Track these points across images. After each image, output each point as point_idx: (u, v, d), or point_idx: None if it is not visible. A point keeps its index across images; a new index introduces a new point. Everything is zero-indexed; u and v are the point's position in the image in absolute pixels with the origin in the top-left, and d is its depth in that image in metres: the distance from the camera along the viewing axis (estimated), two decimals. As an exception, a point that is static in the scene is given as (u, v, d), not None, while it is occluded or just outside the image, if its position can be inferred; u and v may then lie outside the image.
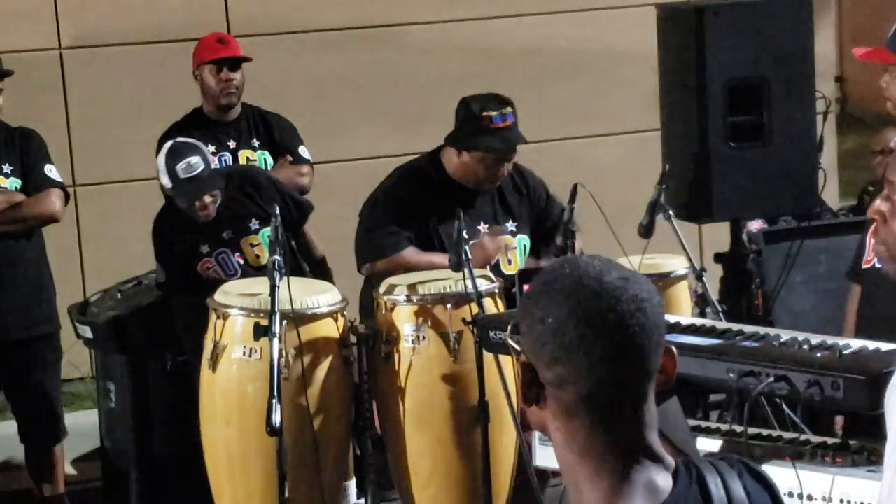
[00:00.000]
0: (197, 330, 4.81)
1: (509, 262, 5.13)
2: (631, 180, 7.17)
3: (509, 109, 4.97)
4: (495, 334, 4.15)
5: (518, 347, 1.80)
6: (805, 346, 3.42)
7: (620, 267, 1.78)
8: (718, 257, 5.66)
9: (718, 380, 3.41)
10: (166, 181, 5.16)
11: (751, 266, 5.53)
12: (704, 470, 1.80)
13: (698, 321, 3.87)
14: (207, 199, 5.16)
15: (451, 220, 4.60)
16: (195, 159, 5.12)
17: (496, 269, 5.04)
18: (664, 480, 1.76)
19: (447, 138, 5.09)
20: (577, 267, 1.76)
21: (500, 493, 4.68)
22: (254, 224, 5.28)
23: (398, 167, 5.24)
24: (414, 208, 4.99)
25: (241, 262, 5.26)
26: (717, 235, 6.52)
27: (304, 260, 5.49)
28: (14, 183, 5.35)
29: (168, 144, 5.23)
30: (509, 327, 1.86)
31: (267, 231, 5.20)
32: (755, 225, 6.06)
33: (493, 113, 4.94)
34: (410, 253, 5.01)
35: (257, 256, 5.25)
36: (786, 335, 3.55)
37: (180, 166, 5.10)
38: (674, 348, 1.81)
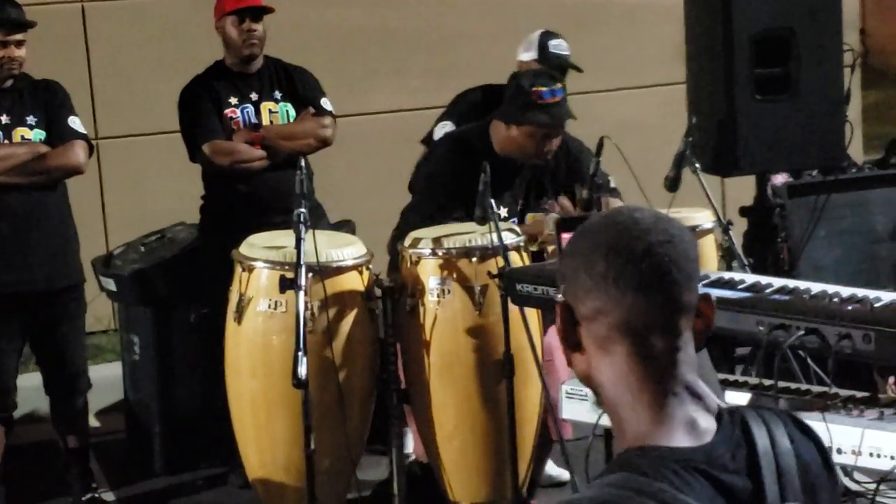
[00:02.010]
0: (223, 282, 4.81)
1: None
2: (655, 134, 7.15)
3: (559, 85, 4.93)
4: (522, 287, 4.15)
5: (561, 297, 1.82)
6: (836, 299, 3.40)
7: (655, 211, 1.81)
8: (744, 211, 5.63)
9: (748, 333, 3.40)
10: (532, 51, 5.82)
11: (776, 220, 5.50)
12: (748, 416, 1.80)
13: (726, 274, 3.86)
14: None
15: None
16: (566, 45, 5.88)
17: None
18: (707, 421, 1.76)
19: (496, 112, 5.05)
20: (614, 210, 1.83)
21: (524, 445, 4.68)
22: None
23: (447, 135, 5.18)
24: (460, 183, 4.93)
25: None
26: (741, 189, 6.50)
27: None
28: (38, 135, 5.34)
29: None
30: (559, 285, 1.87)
31: None
32: (779, 178, 6.02)
33: (543, 89, 4.89)
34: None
35: None
36: (816, 288, 3.53)
37: (554, 42, 5.83)
38: (712, 295, 1.82)
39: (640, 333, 1.75)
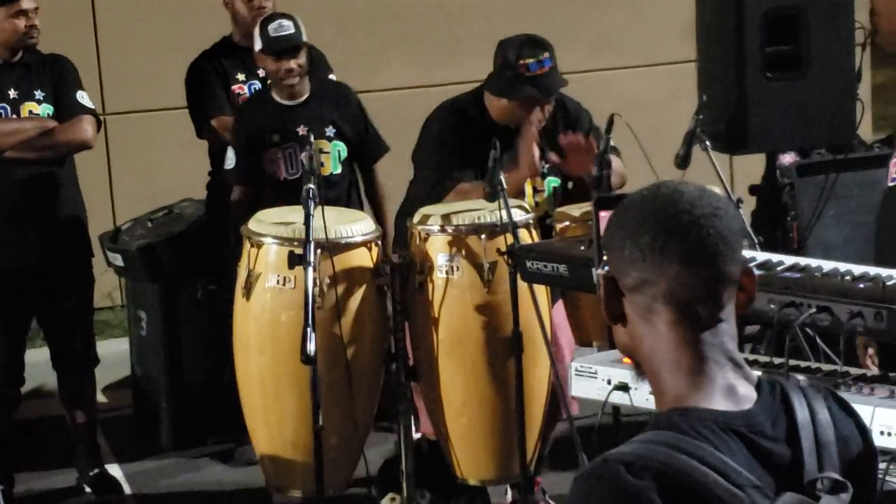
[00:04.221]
0: (231, 257, 4.81)
1: (536, 204, 5.06)
2: (664, 112, 7.12)
3: (546, 55, 4.86)
4: (532, 264, 4.14)
5: (604, 273, 1.85)
6: (847, 277, 3.39)
7: (700, 185, 1.84)
8: (754, 189, 5.62)
9: (759, 310, 3.38)
10: (258, 44, 5.33)
11: (786, 198, 5.49)
12: (789, 389, 1.81)
13: (738, 252, 3.83)
14: (293, 63, 5.28)
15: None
16: (287, 23, 5.31)
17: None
18: (746, 389, 1.78)
19: (486, 83, 5.02)
20: (659, 183, 1.84)
21: (532, 423, 4.67)
22: (330, 130, 5.40)
23: (442, 104, 5.16)
24: (460, 148, 4.92)
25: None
26: (749, 167, 6.48)
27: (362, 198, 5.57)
28: (46, 109, 5.33)
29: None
30: (596, 261, 1.89)
31: (340, 144, 5.38)
32: (787, 158, 6.01)
33: (530, 60, 4.83)
34: (467, 184, 4.93)
35: (322, 164, 5.31)
36: (827, 266, 3.52)
37: (272, 25, 5.30)
38: (754, 269, 1.85)
39: (683, 303, 1.77)
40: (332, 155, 5.40)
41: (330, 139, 5.39)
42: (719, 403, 1.75)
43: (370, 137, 5.53)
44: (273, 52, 5.27)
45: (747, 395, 1.77)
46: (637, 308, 1.80)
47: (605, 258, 1.84)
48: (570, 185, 5.13)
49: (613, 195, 4.54)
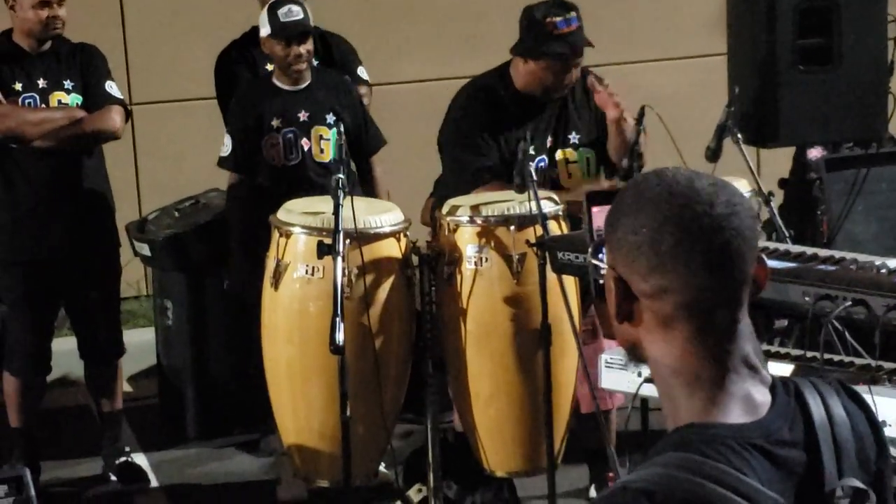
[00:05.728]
0: (258, 248, 4.81)
1: (569, 175, 5.05)
2: (692, 105, 7.09)
3: (573, 14, 4.89)
4: (563, 255, 4.13)
5: (603, 265, 1.77)
6: (883, 271, 3.37)
7: (707, 174, 1.75)
8: (783, 183, 5.59)
9: (793, 303, 3.37)
10: (265, 28, 5.28)
11: (816, 192, 5.47)
12: (803, 387, 1.76)
13: (771, 244, 3.83)
14: (303, 49, 5.26)
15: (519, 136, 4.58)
16: (297, 8, 5.27)
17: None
18: (762, 395, 1.72)
19: (512, 48, 5.02)
20: (666, 176, 1.73)
21: (560, 415, 4.66)
22: (330, 117, 5.36)
23: (465, 86, 5.16)
24: (487, 127, 4.92)
25: (306, 148, 5.30)
26: (777, 160, 6.46)
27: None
28: (75, 99, 5.33)
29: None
30: (590, 249, 1.82)
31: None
32: (814, 152, 5.98)
33: (557, 18, 4.85)
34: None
35: (321, 151, 5.31)
36: (862, 259, 3.51)
37: (282, 10, 5.25)
38: (764, 256, 1.78)
39: (706, 311, 1.70)
40: (332, 141, 5.33)
41: (330, 126, 5.34)
42: (736, 416, 1.69)
43: (369, 130, 5.50)
44: (283, 38, 5.25)
45: (763, 401, 1.71)
46: (654, 314, 1.72)
47: (608, 258, 1.75)
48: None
49: (606, 191, 4.54)
